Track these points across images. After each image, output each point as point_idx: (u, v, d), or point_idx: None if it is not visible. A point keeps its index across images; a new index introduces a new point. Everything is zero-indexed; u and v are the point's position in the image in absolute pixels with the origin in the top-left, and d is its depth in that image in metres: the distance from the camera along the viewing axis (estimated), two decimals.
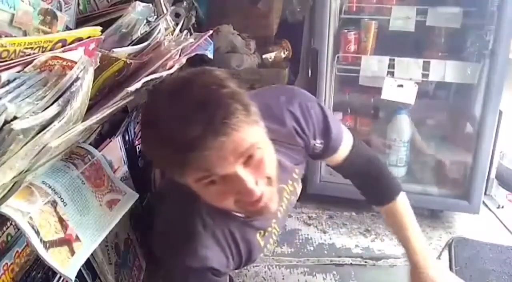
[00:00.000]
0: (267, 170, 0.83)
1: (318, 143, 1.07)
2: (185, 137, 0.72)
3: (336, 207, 1.88)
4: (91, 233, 0.92)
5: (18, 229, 0.81)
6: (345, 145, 1.14)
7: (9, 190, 0.72)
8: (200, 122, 0.72)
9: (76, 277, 0.85)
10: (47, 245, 0.79)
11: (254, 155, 0.79)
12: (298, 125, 1.02)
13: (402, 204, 1.19)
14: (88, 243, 0.90)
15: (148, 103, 0.84)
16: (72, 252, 0.85)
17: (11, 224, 0.86)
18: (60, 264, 0.80)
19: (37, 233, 0.77)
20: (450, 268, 1.52)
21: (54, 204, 0.84)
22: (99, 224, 0.95)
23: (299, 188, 1.20)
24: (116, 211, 1.01)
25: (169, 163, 0.79)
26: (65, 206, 0.86)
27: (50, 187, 0.85)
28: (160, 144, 0.76)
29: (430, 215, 1.82)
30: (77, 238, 0.88)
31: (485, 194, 1.77)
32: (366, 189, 1.25)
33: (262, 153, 0.81)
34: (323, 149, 1.09)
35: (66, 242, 0.85)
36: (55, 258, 0.80)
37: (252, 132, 0.78)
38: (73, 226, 0.87)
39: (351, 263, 1.58)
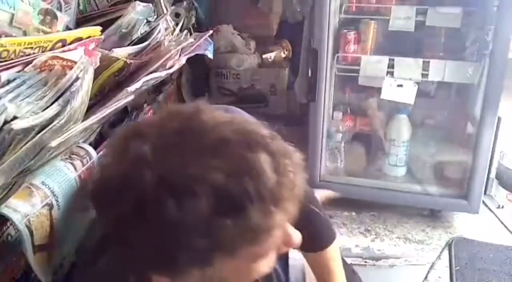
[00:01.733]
0: None
1: None
2: (267, 189, 0.52)
3: (336, 207, 1.88)
4: (70, 239, 0.90)
5: (18, 229, 0.81)
6: None
7: (9, 190, 0.72)
8: (267, 166, 0.53)
9: None
10: (36, 249, 0.77)
11: None
12: None
13: (334, 252, 1.02)
14: (64, 250, 0.88)
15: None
16: (50, 258, 0.83)
17: (11, 224, 0.86)
18: (41, 270, 0.78)
19: (32, 236, 0.76)
20: (450, 268, 1.52)
21: (50, 207, 0.83)
22: (80, 231, 0.92)
23: None
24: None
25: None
26: (58, 209, 0.85)
27: (49, 188, 0.84)
28: (230, 213, 0.51)
29: (430, 215, 1.82)
30: (57, 245, 0.85)
31: (485, 193, 1.77)
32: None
33: None
34: None
35: (48, 247, 0.82)
36: (38, 264, 0.77)
37: None
38: (57, 232, 0.84)
39: (351, 263, 1.57)
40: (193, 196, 0.49)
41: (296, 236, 0.64)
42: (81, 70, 0.68)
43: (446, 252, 1.62)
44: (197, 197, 0.49)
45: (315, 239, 1.00)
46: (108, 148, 0.58)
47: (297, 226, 0.99)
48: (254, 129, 0.55)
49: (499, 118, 1.61)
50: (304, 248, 1.02)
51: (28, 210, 0.76)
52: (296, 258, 1.11)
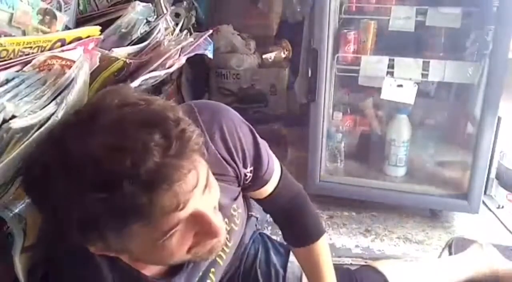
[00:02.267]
0: (218, 196, 0.67)
1: (248, 172, 0.86)
2: (146, 167, 0.52)
3: (336, 207, 1.88)
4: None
5: (12, 233, 0.80)
6: (274, 177, 0.93)
7: (8, 190, 0.72)
8: (155, 146, 0.54)
9: None
10: (23, 250, 0.76)
11: (209, 179, 0.64)
12: (225, 150, 0.80)
13: (323, 246, 1.03)
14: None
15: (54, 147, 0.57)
16: (31, 258, 0.82)
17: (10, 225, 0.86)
18: (23, 270, 0.78)
19: (24, 239, 0.75)
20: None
21: None
22: None
23: (239, 229, 0.96)
24: None
25: (121, 214, 0.54)
26: None
27: None
28: (105, 187, 0.52)
29: (429, 215, 1.82)
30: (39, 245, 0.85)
31: (485, 193, 1.77)
32: (287, 227, 1.05)
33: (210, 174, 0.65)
34: (251, 181, 0.89)
35: (33, 248, 0.81)
36: (21, 265, 0.77)
37: (203, 151, 0.62)
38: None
39: (351, 263, 1.57)
40: (77, 170, 0.53)
41: (218, 226, 0.64)
42: (79, 70, 0.68)
43: (446, 252, 1.62)
44: (80, 172, 0.53)
45: (304, 234, 1.03)
46: None
47: (287, 221, 1.04)
48: (159, 112, 0.58)
49: (499, 118, 1.61)
50: (294, 242, 1.07)
51: (26, 212, 0.76)
52: None
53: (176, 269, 0.79)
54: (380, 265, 1.25)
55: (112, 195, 0.52)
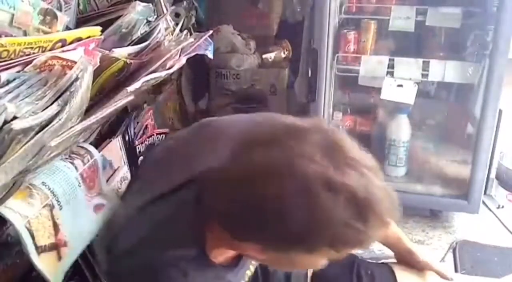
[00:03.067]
0: None
1: None
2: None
3: None
4: (79, 238, 0.91)
5: (17, 230, 0.81)
6: None
7: (9, 190, 0.72)
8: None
9: None
10: (39, 250, 0.78)
11: None
12: None
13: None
14: (75, 248, 0.89)
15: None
16: (59, 257, 0.84)
17: (11, 225, 0.86)
18: (49, 270, 0.79)
19: (32, 237, 0.76)
20: (456, 271, 1.52)
21: (51, 207, 0.83)
22: (87, 229, 0.93)
23: None
24: (100, 216, 0.99)
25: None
26: (60, 209, 0.85)
27: (49, 189, 0.84)
28: (357, 217, 0.62)
29: (430, 215, 1.82)
30: (65, 243, 0.86)
31: (485, 193, 1.77)
32: None
33: None
34: None
35: (56, 247, 0.83)
36: (44, 264, 0.78)
37: None
38: (64, 231, 0.86)
39: None
40: (338, 194, 0.60)
41: None
42: (80, 70, 0.68)
43: (450, 254, 1.62)
44: (339, 197, 0.60)
45: None
46: (261, 142, 0.68)
47: None
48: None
49: (500, 111, 1.60)
50: None
51: (27, 210, 0.76)
52: None
53: (239, 258, 0.82)
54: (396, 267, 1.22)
55: (362, 226, 0.62)
